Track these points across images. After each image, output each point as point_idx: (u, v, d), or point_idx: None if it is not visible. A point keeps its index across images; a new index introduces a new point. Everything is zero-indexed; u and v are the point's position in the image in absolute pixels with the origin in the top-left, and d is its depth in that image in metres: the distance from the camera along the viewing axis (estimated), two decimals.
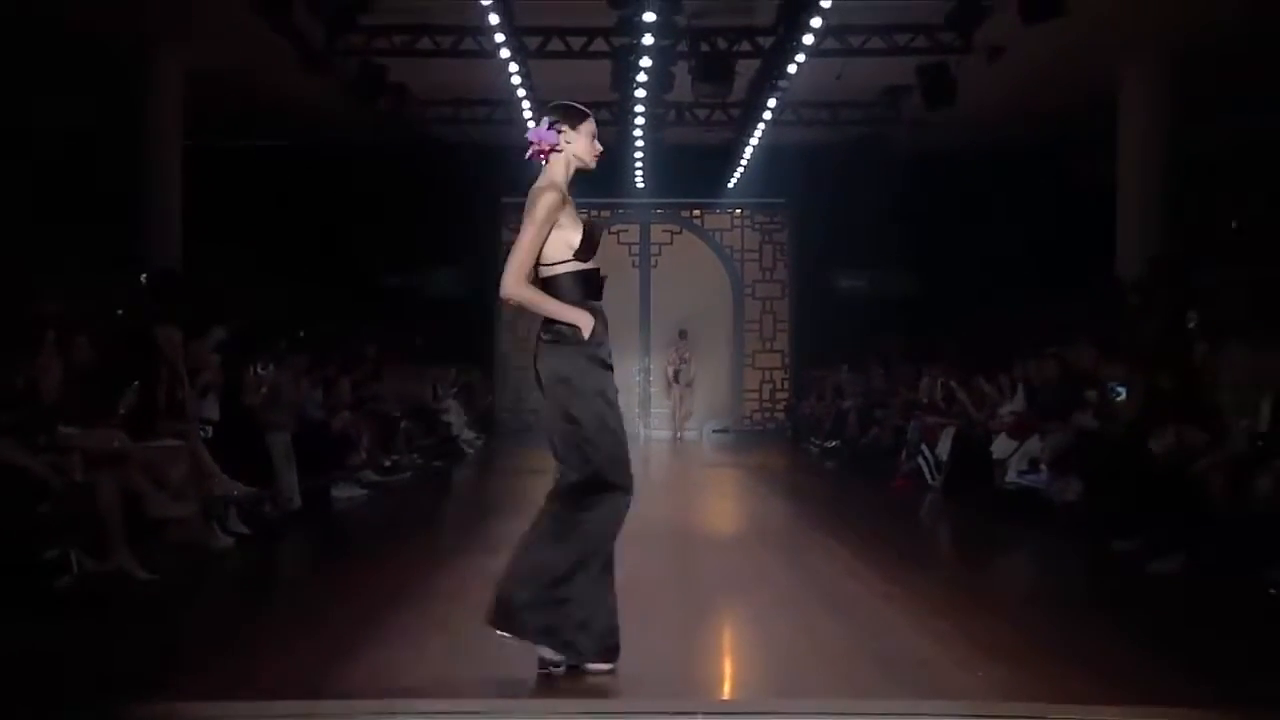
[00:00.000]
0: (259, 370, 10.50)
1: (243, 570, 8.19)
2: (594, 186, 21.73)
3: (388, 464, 13.39)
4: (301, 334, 13.77)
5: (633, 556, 8.20)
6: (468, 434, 17.76)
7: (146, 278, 13.34)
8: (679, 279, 21.99)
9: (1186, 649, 5.93)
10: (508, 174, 20.45)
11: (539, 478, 13.83)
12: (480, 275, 21.40)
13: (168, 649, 5.94)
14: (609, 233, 22.52)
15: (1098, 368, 10.60)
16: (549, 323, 4.90)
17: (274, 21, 12.93)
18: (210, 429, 9.39)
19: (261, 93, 16.36)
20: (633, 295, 22.31)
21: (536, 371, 4.95)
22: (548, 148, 5.01)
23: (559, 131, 5.01)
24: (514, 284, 4.82)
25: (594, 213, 22.03)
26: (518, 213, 22.02)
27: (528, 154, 4.98)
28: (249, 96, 16.50)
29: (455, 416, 17.24)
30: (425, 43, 14.97)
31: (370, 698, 4.82)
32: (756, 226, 22.47)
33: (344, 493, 11.62)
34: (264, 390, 10.46)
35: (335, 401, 12.63)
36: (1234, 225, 14.53)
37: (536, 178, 5.04)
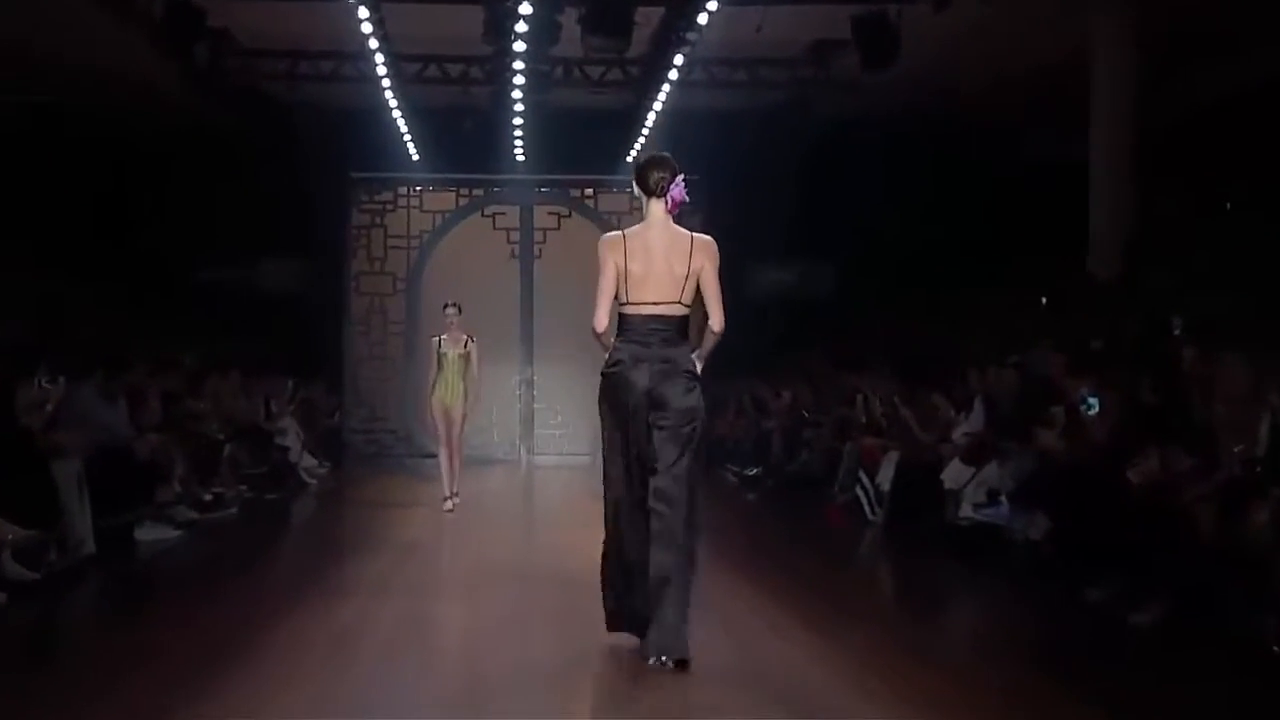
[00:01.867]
0: (42, 383, 10.43)
1: (19, 631, 8.07)
2: (464, 160, 21.65)
3: (208, 498, 13.41)
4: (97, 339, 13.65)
5: (507, 601, 8.26)
6: (308, 460, 17.71)
7: None
8: (568, 272, 21.90)
9: (1171, 717, 5.95)
10: (357, 144, 21.10)
11: (396, 512, 14.16)
12: (324, 267, 21.26)
13: None
14: (482, 215, 22.54)
15: (1065, 378, 10.69)
16: (687, 358, 6.88)
17: None
18: None
19: (38, 38, 15.84)
20: (511, 292, 22.28)
21: (661, 394, 6.77)
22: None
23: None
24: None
25: (462, 192, 22.01)
26: (369, 191, 21.73)
27: (672, 209, 6.86)
28: (18, 43, 15.98)
29: (293, 439, 17.17)
30: None
31: None
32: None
33: (151, 533, 11.57)
34: (48, 408, 10.36)
35: (141, 421, 12.52)
36: (1228, 206, 14.80)
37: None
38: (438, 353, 13.68)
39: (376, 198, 22.32)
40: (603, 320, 6.85)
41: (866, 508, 13.07)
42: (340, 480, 18.36)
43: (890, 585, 10.71)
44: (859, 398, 14.86)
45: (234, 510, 13.74)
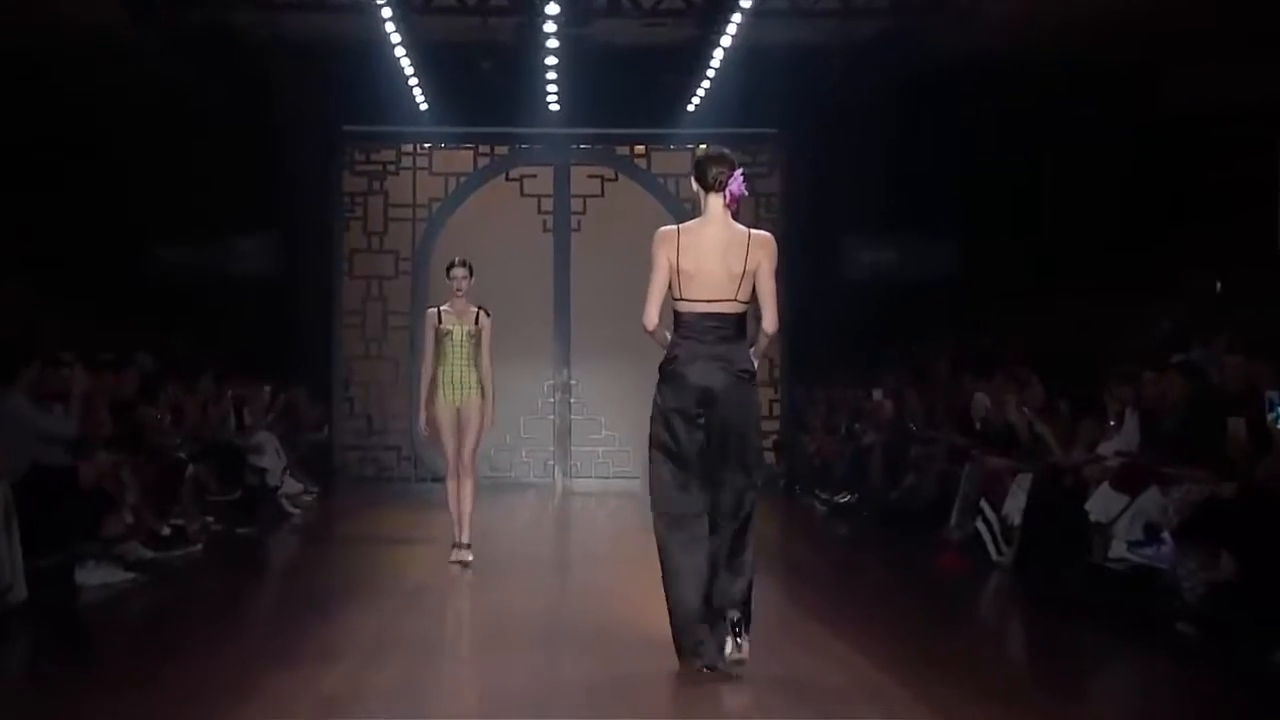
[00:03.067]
0: None
1: None
2: (484, 110, 21.63)
3: (166, 532, 13.44)
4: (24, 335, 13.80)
5: (532, 669, 8.23)
6: (291, 485, 17.81)
7: None
8: (613, 249, 21.84)
9: None
10: (350, 90, 21.05)
11: (399, 552, 14.09)
12: (309, 244, 21.25)
13: None
14: (507, 179, 22.53)
15: (1247, 382, 10.59)
16: (744, 355, 8.04)
17: None
18: None
19: None
20: (543, 274, 22.26)
21: (716, 393, 7.92)
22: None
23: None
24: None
25: (482, 150, 21.98)
26: (365, 149, 21.73)
27: (730, 204, 8.02)
28: None
29: (271, 458, 17.21)
30: None
31: None
32: None
33: (96, 576, 11.57)
34: None
35: (86, 436, 12.52)
36: None
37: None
38: (437, 330, 12.72)
39: (374, 157, 22.38)
40: (653, 318, 7.99)
41: (990, 546, 13.04)
42: (330, 510, 18.49)
43: (1021, 647, 10.61)
44: (979, 407, 14.85)
45: (198, 547, 13.77)
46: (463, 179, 22.48)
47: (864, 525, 16.48)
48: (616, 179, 22.62)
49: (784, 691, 7.94)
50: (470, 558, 12.60)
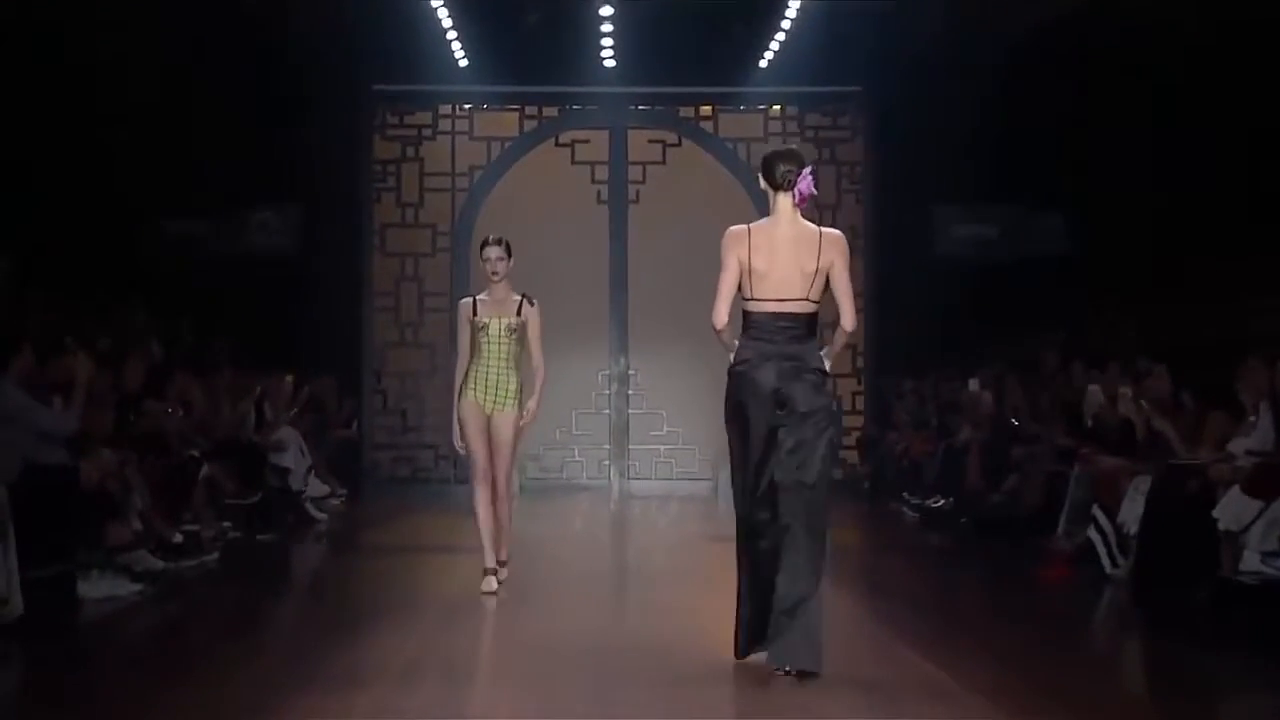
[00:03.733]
0: None
1: None
2: (530, 67, 21.58)
3: (177, 539, 13.49)
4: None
5: (582, 696, 8.32)
6: (316, 487, 17.93)
7: None
8: (676, 222, 21.86)
9: None
10: (380, 45, 21.08)
11: (435, 562, 14.04)
12: (334, 218, 21.29)
13: None
14: (557, 144, 22.54)
15: None
16: (816, 355, 8.75)
17: None
18: None
19: None
20: (597, 251, 22.26)
21: (788, 394, 8.59)
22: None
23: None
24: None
25: (528, 111, 22.02)
26: (398, 111, 21.70)
27: (800, 203, 8.66)
28: None
29: (294, 457, 17.34)
30: None
31: None
32: (809, 135, 22.57)
33: (100, 588, 11.61)
34: None
35: (89, 432, 12.58)
36: None
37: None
38: (471, 324, 11.93)
39: (408, 120, 22.52)
40: (722, 316, 8.68)
41: (1104, 557, 12.93)
42: (358, 516, 18.58)
43: (1140, 673, 10.51)
44: (1089, 400, 14.79)
45: (213, 556, 13.88)
46: (507, 144, 22.56)
47: (959, 534, 16.45)
48: (679, 144, 22.73)
49: (865, 711, 7.96)
50: (503, 579, 11.95)
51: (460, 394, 11.86)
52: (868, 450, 21.50)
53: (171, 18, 18.72)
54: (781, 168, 8.73)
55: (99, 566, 11.74)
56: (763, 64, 20.88)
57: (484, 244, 11.96)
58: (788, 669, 8.38)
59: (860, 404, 22.39)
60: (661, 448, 22.53)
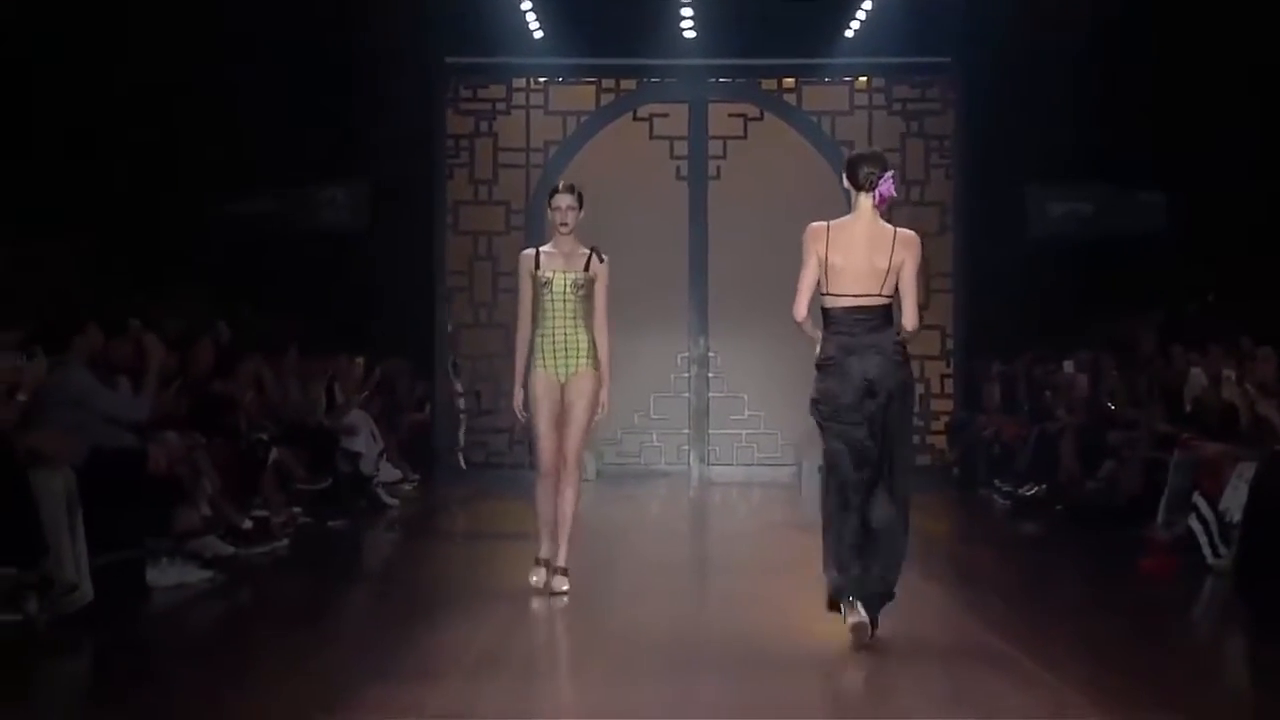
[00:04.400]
0: (19, 361, 10.65)
1: None
2: (608, 38, 21.50)
3: (247, 525, 13.56)
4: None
5: (664, 690, 8.35)
6: (388, 472, 17.99)
7: None
8: (758, 198, 21.77)
9: None
10: (452, 15, 21.03)
11: (511, 550, 14.01)
12: (405, 195, 21.27)
13: None
14: (635, 119, 22.49)
15: None
16: (894, 340, 9.50)
17: None
18: None
19: None
20: (678, 227, 22.28)
21: (874, 379, 9.37)
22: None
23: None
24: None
25: (605, 84, 21.92)
26: (471, 85, 21.58)
27: (880, 204, 9.42)
28: None
29: (365, 441, 17.35)
30: None
31: None
32: (896, 108, 22.55)
33: (169, 575, 11.71)
34: (21, 398, 10.53)
35: (156, 416, 12.63)
36: None
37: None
38: (534, 278, 11.09)
39: (481, 94, 22.50)
40: (802, 310, 9.52)
41: (1206, 547, 12.76)
42: (432, 501, 18.68)
43: (1245, 672, 10.31)
44: (1190, 382, 14.75)
45: (283, 543, 13.92)
46: (583, 119, 22.52)
47: (1053, 522, 16.35)
48: (762, 117, 22.60)
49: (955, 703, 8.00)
50: (565, 587, 11.12)
51: (529, 367, 11.10)
52: (955, 435, 21.40)
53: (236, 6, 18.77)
54: (865, 169, 9.49)
55: (168, 553, 11.81)
56: (848, 34, 20.79)
57: (554, 191, 11.17)
58: (871, 620, 9.16)
59: (949, 387, 22.24)
60: (743, 432, 22.44)
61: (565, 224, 10.98)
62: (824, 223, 9.50)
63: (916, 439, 21.41)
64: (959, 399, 21.92)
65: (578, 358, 10.98)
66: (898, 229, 9.54)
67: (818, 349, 9.51)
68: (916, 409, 10.46)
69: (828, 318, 9.50)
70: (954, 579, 13.10)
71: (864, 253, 9.39)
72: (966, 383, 21.64)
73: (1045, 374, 18.78)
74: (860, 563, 9.30)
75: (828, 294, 9.45)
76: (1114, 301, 19.54)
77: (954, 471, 20.76)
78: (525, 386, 11.06)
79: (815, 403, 9.54)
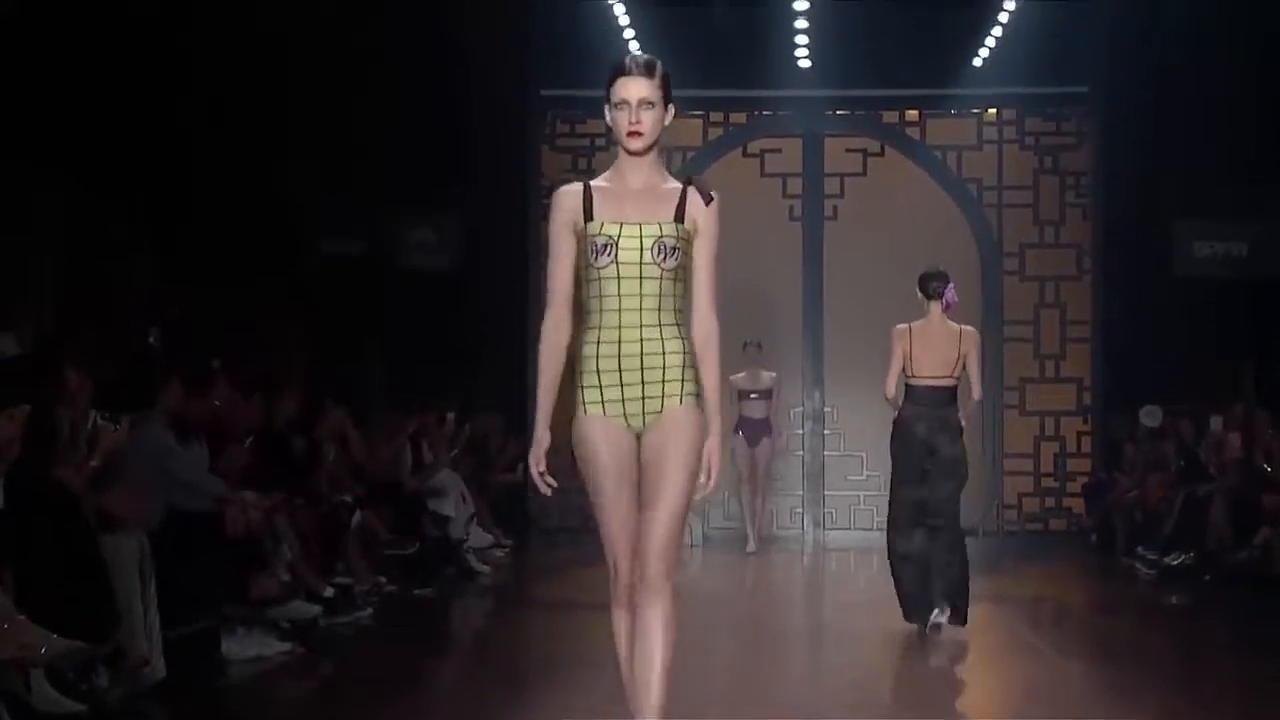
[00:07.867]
0: (100, 419, 10.53)
1: None
2: (716, 69, 21.99)
3: (329, 592, 13.64)
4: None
5: None
6: (479, 536, 18.11)
7: None
8: (878, 239, 21.90)
9: None
10: (549, 47, 21.12)
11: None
12: (499, 236, 21.41)
13: None
14: (745, 154, 22.55)
15: None
16: (956, 415, 13.26)
17: None
18: None
19: None
20: (791, 272, 22.34)
21: (934, 443, 13.07)
22: None
23: None
24: None
25: (713, 118, 22.46)
26: (568, 119, 21.96)
27: (946, 309, 13.10)
28: None
29: (455, 503, 17.44)
30: None
31: None
32: (1029, 142, 22.60)
33: (246, 647, 11.78)
34: (94, 463, 10.40)
35: (232, 475, 12.71)
36: None
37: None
38: (581, 234, 7.05)
39: (580, 129, 22.51)
40: (891, 389, 13.17)
41: None
42: (527, 568, 18.73)
43: None
44: None
45: (367, 612, 14.01)
46: (690, 155, 22.38)
47: (1204, 593, 16.28)
48: (882, 153, 22.61)
49: None
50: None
51: (577, 401, 7.09)
52: (1093, 497, 21.30)
53: (327, 25, 18.92)
54: (933, 284, 13.15)
55: (245, 622, 11.85)
56: (977, 62, 20.76)
57: (615, 74, 7.02)
58: (944, 619, 12.77)
59: (1086, 445, 22.21)
60: (860, 494, 22.38)
61: (639, 132, 7.00)
62: (906, 325, 13.15)
63: (1051, 501, 22.47)
64: (1097, 458, 21.81)
65: (665, 382, 6.91)
66: (963, 327, 13.24)
67: (896, 412, 13.20)
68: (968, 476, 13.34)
69: (908, 392, 13.10)
70: (1096, 654, 13.12)
71: (937, 347, 13.04)
72: (1106, 440, 21.58)
73: (1193, 431, 18.66)
74: (924, 595, 12.92)
75: (910, 376, 13.05)
76: (1269, 352, 19.53)
77: (1091, 538, 20.75)
78: (555, 429, 7.28)
79: (890, 455, 13.32)
